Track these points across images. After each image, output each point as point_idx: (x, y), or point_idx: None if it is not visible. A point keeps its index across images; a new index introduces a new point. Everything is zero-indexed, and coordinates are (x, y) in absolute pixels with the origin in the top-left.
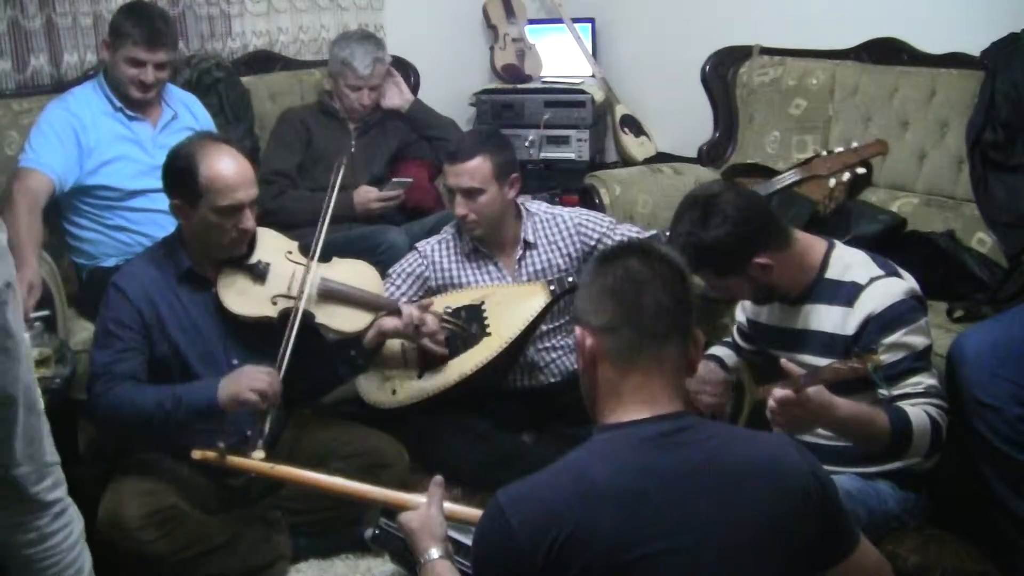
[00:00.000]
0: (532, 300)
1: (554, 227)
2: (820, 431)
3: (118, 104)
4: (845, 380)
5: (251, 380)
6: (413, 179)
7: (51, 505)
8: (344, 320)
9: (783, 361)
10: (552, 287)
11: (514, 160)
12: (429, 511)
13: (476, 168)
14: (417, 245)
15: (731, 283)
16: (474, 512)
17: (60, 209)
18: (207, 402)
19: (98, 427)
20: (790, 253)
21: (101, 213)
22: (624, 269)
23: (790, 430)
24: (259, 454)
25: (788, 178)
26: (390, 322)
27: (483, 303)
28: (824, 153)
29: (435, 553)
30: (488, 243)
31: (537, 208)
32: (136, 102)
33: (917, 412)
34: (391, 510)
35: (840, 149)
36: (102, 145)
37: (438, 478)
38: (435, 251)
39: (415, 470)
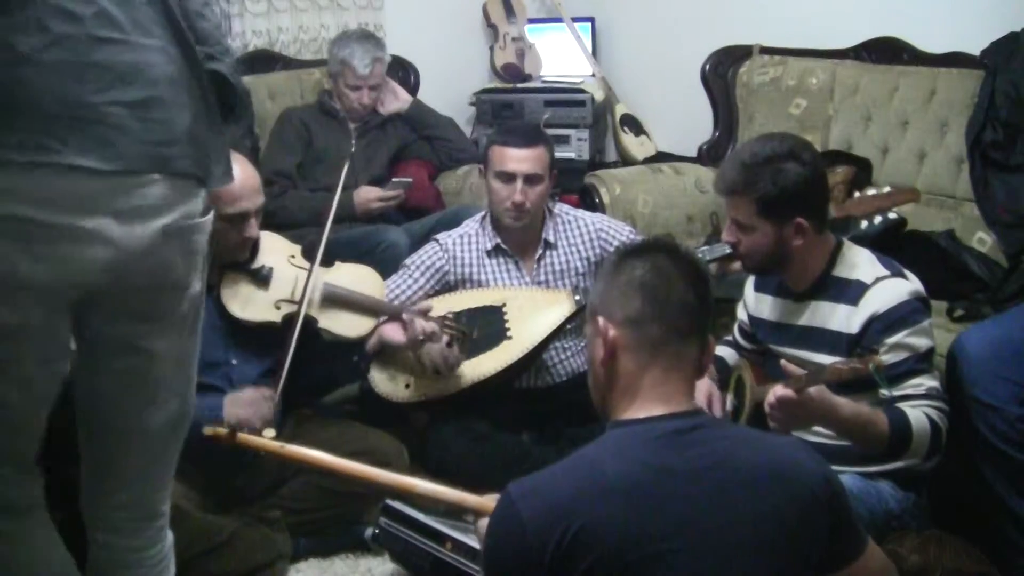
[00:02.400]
0: (556, 308)
1: (575, 229)
2: (820, 430)
3: None
4: (854, 379)
5: (262, 411)
6: (413, 179)
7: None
8: (347, 325)
9: (783, 362)
10: (577, 297)
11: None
12: None
13: (540, 155)
14: (438, 237)
15: (760, 229)
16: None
17: None
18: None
19: None
20: (818, 238)
21: None
22: (652, 263)
23: (787, 428)
24: (270, 432)
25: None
26: (393, 333)
27: (504, 305)
28: (857, 194)
29: None
30: (512, 241)
31: (559, 209)
32: None
33: (917, 414)
34: (389, 503)
35: (873, 191)
36: None
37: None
38: (456, 245)
39: (415, 470)
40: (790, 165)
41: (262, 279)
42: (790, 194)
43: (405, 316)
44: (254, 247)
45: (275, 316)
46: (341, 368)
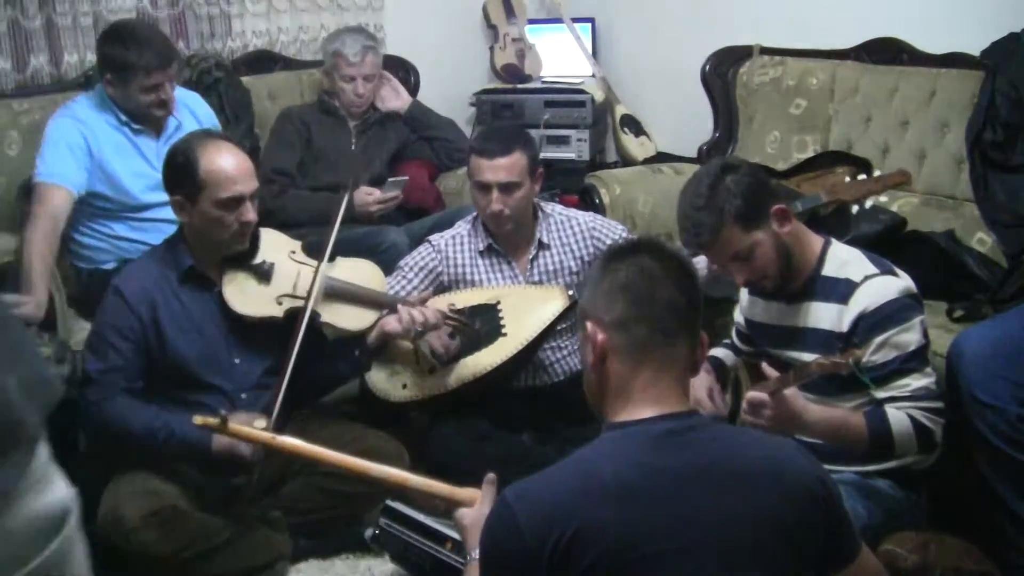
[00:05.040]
0: (550, 304)
1: (568, 229)
2: None
3: (124, 118)
4: (840, 379)
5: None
6: (409, 176)
7: None
8: (349, 319)
9: (764, 365)
10: (571, 292)
11: (538, 154)
12: (482, 510)
13: (515, 162)
14: (431, 239)
15: (758, 242)
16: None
17: None
18: (200, 444)
19: (88, 432)
20: (796, 223)
21: (107, 223)
22: (637, 265)
23: (763, 430)
24: (261, 423)
25: (813, 200)
26: (393, 323)
27: (499, 303)
28: (848, 179)
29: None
30: (505, 241)
31: (552, 209)
32: (157, 119)
33: (899, 416)
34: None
35: (864, 177)
36: (108, 156)
37: (491, 476)
38: (449, 246)
39: (415, 470)
40: (729, 177)
41: (263, 274)
42: (753, 192)
43: (401, 307)
44: (254, 243)
45: (277, 311)
46: (343, 363)
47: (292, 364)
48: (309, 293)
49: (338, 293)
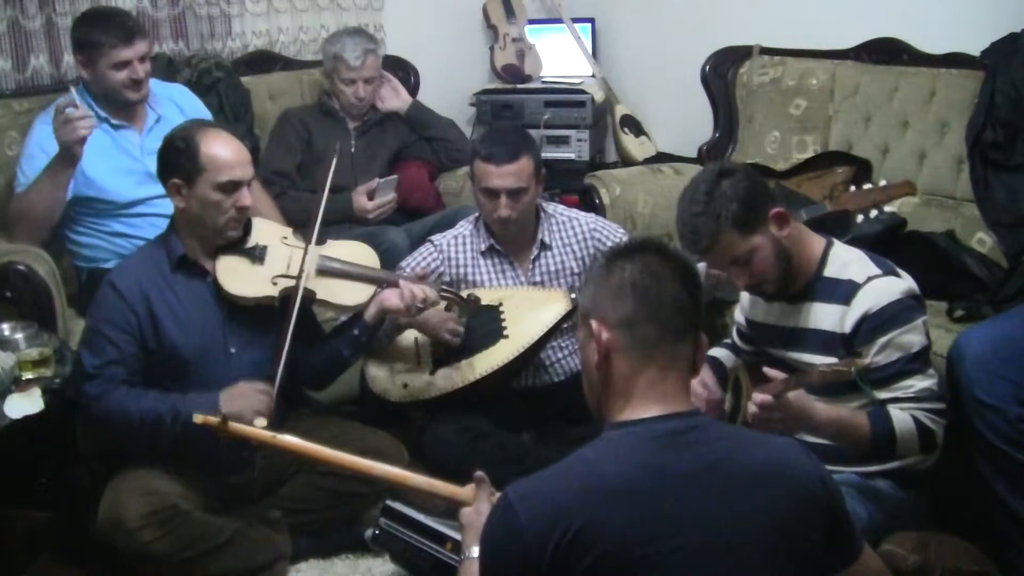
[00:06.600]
0: (551, 307)
1: (570, 230)
2: None
3: (103, 114)
4: (837, 382)
5: (255, 403)
6: (403, 176)
7: None
8: (345, 294)
9: (765, 368)
10: (574, 296)
11: (541, 155)
12: (479, 509)
13: (523, 168)
14: (432, 239)
15: (757, 247)
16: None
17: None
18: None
19: (89, 428)
20: (796, 225)
21: (101, 221)
22: (643, 264)
23: (770, 433)
24: (261, 422)
25: (817, 211)
26: (391, 297)
27: (501, 305)
28: (853, 188)
29: (476, 551)
30: (507, 242)
31: (554, 210)
32: (130, 104)
33: (902, 417)
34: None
35: (869, 186)
36: (90, 160)
37: (479, 474)
38: (451, 246)
39: (415, 469)
40: (726, 182)
41: (257, 257)
42: (749, 196)
43: (401, 282)
44: (246, 229)
45: (272, 291)
46: (343, 344)
47: (288, 345)
48: (300, 271)
49: (333, 271)
